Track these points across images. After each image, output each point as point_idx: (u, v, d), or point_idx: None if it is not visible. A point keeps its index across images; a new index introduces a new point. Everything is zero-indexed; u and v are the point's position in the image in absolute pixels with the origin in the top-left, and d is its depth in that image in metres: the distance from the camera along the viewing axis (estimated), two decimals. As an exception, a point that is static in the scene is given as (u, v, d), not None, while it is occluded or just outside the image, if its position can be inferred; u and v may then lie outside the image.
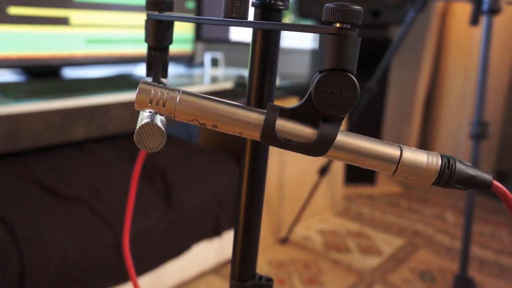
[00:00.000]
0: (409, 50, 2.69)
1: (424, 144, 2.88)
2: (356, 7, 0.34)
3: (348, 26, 0.34)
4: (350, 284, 1.63)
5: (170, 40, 0.48)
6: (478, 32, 2.44)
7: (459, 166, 0.36)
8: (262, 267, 1.72)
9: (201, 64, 2.27)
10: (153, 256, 1.41)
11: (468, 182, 0.36)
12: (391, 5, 2.20)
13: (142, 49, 1.68)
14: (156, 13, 0.47)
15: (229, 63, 2.36)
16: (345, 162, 0.37)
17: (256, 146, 0.47)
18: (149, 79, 0.50)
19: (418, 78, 2.72)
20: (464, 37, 2.54)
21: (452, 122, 2.67)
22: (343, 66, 0.34)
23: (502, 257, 1.88)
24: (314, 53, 2.52)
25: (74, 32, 1.48)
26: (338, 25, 0.34)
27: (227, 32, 2.17)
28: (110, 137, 1.66)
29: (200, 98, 0.36)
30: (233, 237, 0.51)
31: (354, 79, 0.35)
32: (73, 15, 1.46)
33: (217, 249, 1.64)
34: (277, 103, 0.39)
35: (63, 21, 1.44)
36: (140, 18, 1.63)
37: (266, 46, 0.44)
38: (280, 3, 0.43)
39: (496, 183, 0.37)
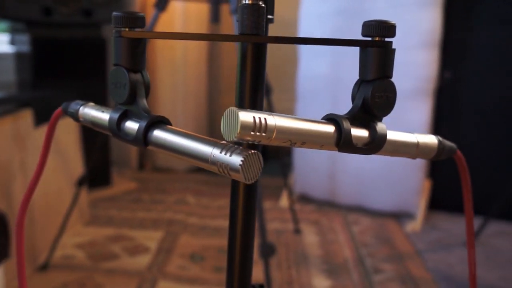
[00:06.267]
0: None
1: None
2: (391, 22, 0.40)
3: (387, 39, 0.40)
4: (136, 288, 1.62)
5: (145, 60, 0.42)
6: (178, 26, 2.66)
7: (445, 141, 0.47)
8: (33, 303, 1.52)
9: None
10: None
11: (449, 152, 0.47)
12: (102, 4, 2.18)
13: None
14: (127, 30, 0.41)
15: None
16: (384, 155, 0.42)
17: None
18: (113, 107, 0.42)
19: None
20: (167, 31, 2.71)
21: (167, 109, 2.84)
22: (387, 73, 0.40)
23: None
24: (18, 57, 2.26)
25: None
26: (377, 38, 0.39)
27: None
28: None
29: (290, 119, 0.35)
30: (228, 252, 0.49)
31: (394, 83, 0.41)
32: None
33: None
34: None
35: None
36: None
37: (258, 58, 0.44)
38: (270, 17, 0.44)
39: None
